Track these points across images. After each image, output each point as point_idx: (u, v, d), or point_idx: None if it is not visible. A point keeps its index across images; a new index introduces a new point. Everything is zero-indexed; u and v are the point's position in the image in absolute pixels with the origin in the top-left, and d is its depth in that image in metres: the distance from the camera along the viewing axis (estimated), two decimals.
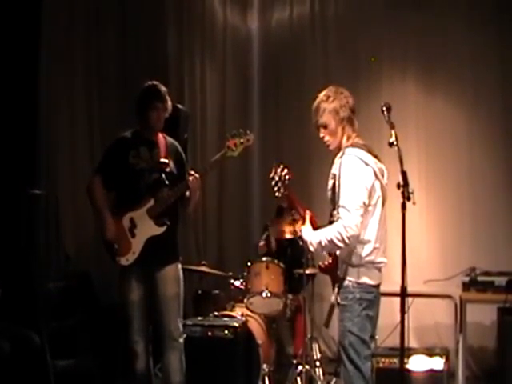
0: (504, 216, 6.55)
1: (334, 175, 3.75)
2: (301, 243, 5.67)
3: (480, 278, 5.69)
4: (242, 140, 4.54)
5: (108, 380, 5.81)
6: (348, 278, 3.72)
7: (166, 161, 4.61)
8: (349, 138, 3.82)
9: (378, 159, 3.83)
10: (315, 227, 3.84)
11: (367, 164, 3.70)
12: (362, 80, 7.11)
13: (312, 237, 3.77)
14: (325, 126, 3.84)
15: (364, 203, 3.63)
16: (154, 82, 4.67)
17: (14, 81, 6.22)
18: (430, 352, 5.57)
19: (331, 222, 3.74)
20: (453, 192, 6.74)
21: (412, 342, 6.17)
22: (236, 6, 7.83)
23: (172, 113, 4.79)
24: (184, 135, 6.06)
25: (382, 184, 3.77)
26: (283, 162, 4.03)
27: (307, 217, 3.90)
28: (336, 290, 3.78)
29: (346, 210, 3.60)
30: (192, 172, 4.51)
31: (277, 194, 3.95)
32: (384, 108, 3.75)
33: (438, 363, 5.38)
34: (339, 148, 3.82)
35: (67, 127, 7.15)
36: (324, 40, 7.44)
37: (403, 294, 3.57)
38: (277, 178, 3.95)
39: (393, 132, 3.63)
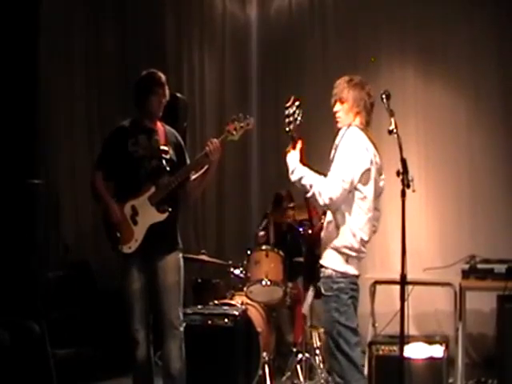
0: (503, 203, 6.55)
1: (335, 145, 3.75)
2: (300, 230, 5.75)
3: (479, 266, 5.68)
4: (241, 124, 4.52)
5: (108, 368, 5.83)
6: (331, 267, 3.71)
7: (166, 148, 4.61)
8: (360, 123, 3.81)
9: (378, 154, 3.83)
10: (303, 162, 3.79)
11: (367, 149, 3.71)
12: (361, 68, 7.06)
13: (298, 167, 3.74)
14: (342, 101, 3.83)
15: (352, 181, 3.63)
16: (153, 70, 4.67)
17: (13, 72, 6.23)
18: (429, 339, 5.57)
19: None
20: (452, 179, 6.74)
21: (412, 330, 6.15)
22: None
23: (171, 102, 4.80)
24: (183, 124, 6.06)
25: (376, 176, 3.77)
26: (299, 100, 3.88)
27: (298, 145, 3.84)
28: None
29: (333, 177, 3.61)
30: (212, 139, 4.48)
31: (287, 128, 3.83)
32: (383, 96, 3.75)
33: (437, 351, 5.37)
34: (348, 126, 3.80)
35: (66, 117, 7.16)
36: (323, 28, 7.41)
37: (403, 281, 3.58)
38: (291, 111, 3.83)
39: (392, 120, 3.62)
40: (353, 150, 3.66)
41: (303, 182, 3.69)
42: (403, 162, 3.53)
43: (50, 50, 6.87)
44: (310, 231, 3.91)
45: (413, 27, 6.93)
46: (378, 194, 3.83)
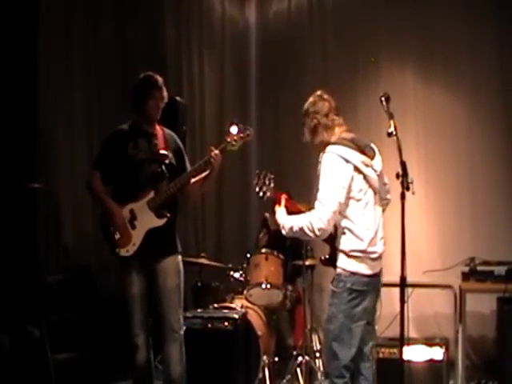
0: (503, 206, 6.54)
1: (318, 173, 3.86)
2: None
3: (479, 268, 5.69)
4: (241, 134, 4.57)
5: (108, 373, 5.82)
6: (341, 266, 3.79)
7: (166, 152, 4.61)
8: (328, 138, 3.93)
9: (368, 150, 3.89)
10: (293, 210, 3.99)
11: (347, 161, 3.76)
12: (361, 72, 7.09)
13: (285, 220, 3.90)
14: (307, 137, 4.07)
15: (339, 202, 3.72)
16: (150, 73, 4.67)
17: (13, 76, 6.23)
18: (429, 342, 5.58)
19: None
20: (452, 182, 6.73)
21: (412, 332, 6.16)
22: None
23: (170, 105, 4.81)
24: (182, 127, 6.06)
25: (367, 175, 3.81)
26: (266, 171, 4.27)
27: (282, 199, 4.06)
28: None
29: (320, 203, 3.71)
30: (212, 148, 4.53)
31: (264, 198, 4.18)
32: (383, 98, 3.76)
33: (437, 353, 5.38)
34: (325, 145, 3.92)
35: (65, 120, 7.15)
36: (322, 31, 7.40)
37: (403, 284, 3.59)
38: (260, 183, 4.19)
39: (392, 122, 3.63)
40: (332, 174, 3.76)
41: (294, 229, 3.80)
42: (403, 164, 3.54)
43: (50, 51, 6.87)
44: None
45: (412, 31, 6.92)
46: (375, 182, 3.89)
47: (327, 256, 3.97)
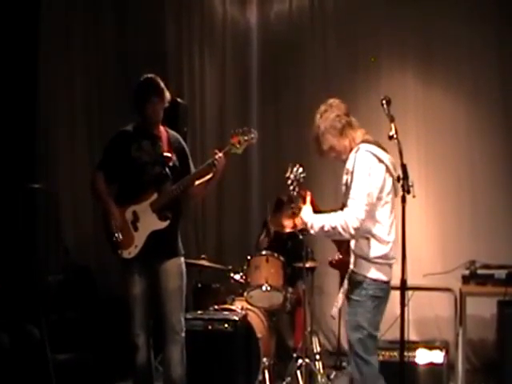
0: (504, 209, 6.54)
1: (348, 170, 3.76)
2: (300, 236, 5.74)
3: (480, 271, 5.69)
4: (245, 137, 4.53)
5: (108, 373, 5.81)
6: (362, 273, 3.72)
7: (169, 155, 4.60)
8: (354, 138, 3.84)
9: (386, 151, 3.83)
10: (316, 210, 3.86)
11: (380, 160, 3.71)
12: (361, 73, 7.10)
13: (314, 219, 3.78)
14: (331, 148, 3.88)
15: (371, 203, 3.65)
16: (150, 76, 4.63)
17: (14, 76, 6.23)
18: (429, 345, 5.57)
19: None
20: (452, 185, 6.73)
21: (412, 335, 6.17)
22: None
23: (171, 107, 4.78)
24: (183, 129, 6.06)
25: (393, 179, 3.77)
26: (299, 163, 4.06)
27: (308, 198, 3.92)
28: (345, 284, 3.78)
29: (355, 202, 3.62)
30: (217, 151, 4.51)
31: (293, 192, 3.98)
32: (384, 101, 3.74)
33: (437, 356, 5.37)
34: (351, 149, 3.83)
35: (66, 121, 7.15)
36: (323, 33, 7.41)
37: (403, 287, 3.58)
38: (292, 177, 3.99)
39: (392, 125, 3.62)
40: (367, 173, 3.66)
41: (325, 229, 3.70)
42: (403, 167, 3.53)
43: (50, 52, 6.87)
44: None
45: (413, 32, 6.93)
46: (396, 193, 3.84)
47: (337, 258, 3.90)
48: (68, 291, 6.30)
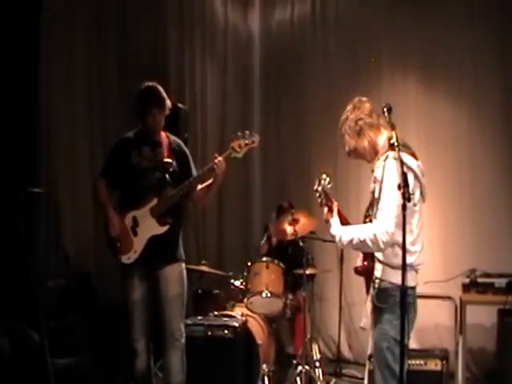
0: (505, 217, 6.53)
1: (376, 179, 3.68)
2: (301, 243, 5.74)
3: (480, 280, 5.69)
4: (246, 141, 4.53)
5: (108, 378, 5.81)
6: (388, 280, 3.65)
7: (170, 160, 4.61)
8: (374, 140, 3.77)
9: (415, 157, 3.76)
10: (342, 221, 3.78)
11: (409, 168, 3.62)
12: (363, 79, 7.09)
13: (342, 232, 3.70)
14: (353, 150, 3.81)
15: (400, 214, 3.51)
16: (150, 84, 4.62)
17: (15, 77, 6.24)
18: (429, 353, 5.56)
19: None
20: (453, 192, 6.73)
21: (412, 343, 6.14)
22: (237, 5, 7.83)
23: (172, 112, 4.79)
24: (184, 135, 6.06)
25: (421, 185, 3.73)
26: (326, 172, 3.94)
27: (335, 209, 3.82)
28: (372, 291, 3.72)
29: (385, 215, 3.54)
30: (216, 155, 4.50)
31: (322, 206, 3.85)
32: (385, 109, 3.72)
33: (437, 364, 5.37)
34: (376, 152, 3.77)
35: (67, 125, 7.16)
36: (325, 39, 7.43)
37: (403, 294, 3.57)
38: (320, 190, 3.87)
39: (393, 133, 3.61)
40: (395, 183, 3.50)
41: (354, 242, 3.62)
42: (404, 175, 3.52)
43: (51, 53, 6.88)
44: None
45: (414, 38, 6.94)
46: (424, 199, 3.79)
47: (361, 264, 3.83)
48: (68, 296, 6.29)
